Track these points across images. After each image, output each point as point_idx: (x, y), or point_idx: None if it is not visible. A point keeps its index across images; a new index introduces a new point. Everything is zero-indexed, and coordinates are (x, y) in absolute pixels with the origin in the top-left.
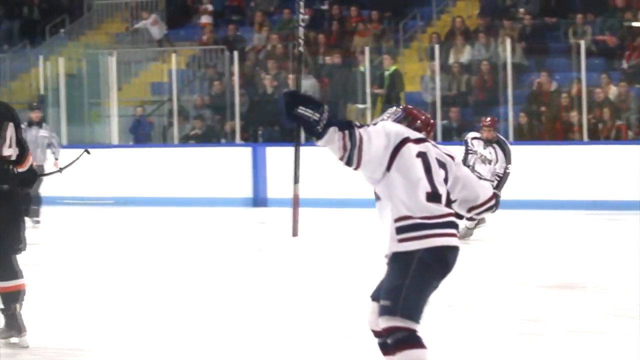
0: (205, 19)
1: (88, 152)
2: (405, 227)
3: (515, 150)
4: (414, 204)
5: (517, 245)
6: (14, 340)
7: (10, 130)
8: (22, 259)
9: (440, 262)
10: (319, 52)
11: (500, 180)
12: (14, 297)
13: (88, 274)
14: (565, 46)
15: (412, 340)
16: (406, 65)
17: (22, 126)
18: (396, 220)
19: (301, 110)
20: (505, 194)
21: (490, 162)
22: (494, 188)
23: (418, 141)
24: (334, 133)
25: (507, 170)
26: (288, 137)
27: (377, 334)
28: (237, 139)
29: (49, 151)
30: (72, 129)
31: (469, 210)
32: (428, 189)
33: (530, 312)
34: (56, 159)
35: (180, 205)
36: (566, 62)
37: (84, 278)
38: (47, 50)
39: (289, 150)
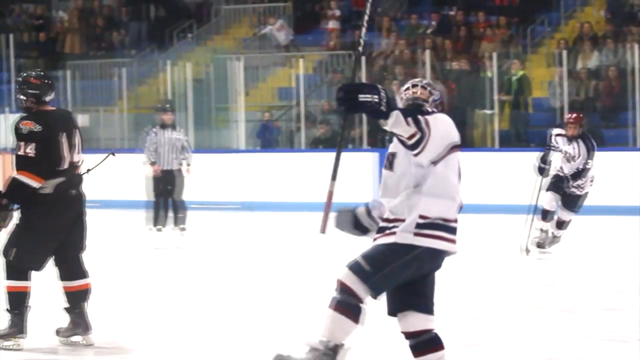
0: (332, 24)
1: (113, 154)
2: (426, 225)
3: None
4: (443, 207)
5: None
6: (75, 338)
7: (77, 138)
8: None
9: (431, 264)
10: (446, 57)
11: (579, 174)
12: (82, 295)
13: (204, 278)
14: None
15: (356, 313)
16: (533, 71)
17: (154, 130)
18: (422, 217)
19: (361, 97)
20: (630, 200)
21: (573, 158)
22: (571, 180)
23: (460, 147)
24: (399, 117)
25: (588, 166)
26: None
27: (408, 335)
28: (364, 144)
29: (181, 155)
30: (199, 133)
31: None
32: (460, 198)
33: None
34: (188, 165)
35: (307, 210)
36: None
37: (199, 281)
38: (174, 55)
39: None
